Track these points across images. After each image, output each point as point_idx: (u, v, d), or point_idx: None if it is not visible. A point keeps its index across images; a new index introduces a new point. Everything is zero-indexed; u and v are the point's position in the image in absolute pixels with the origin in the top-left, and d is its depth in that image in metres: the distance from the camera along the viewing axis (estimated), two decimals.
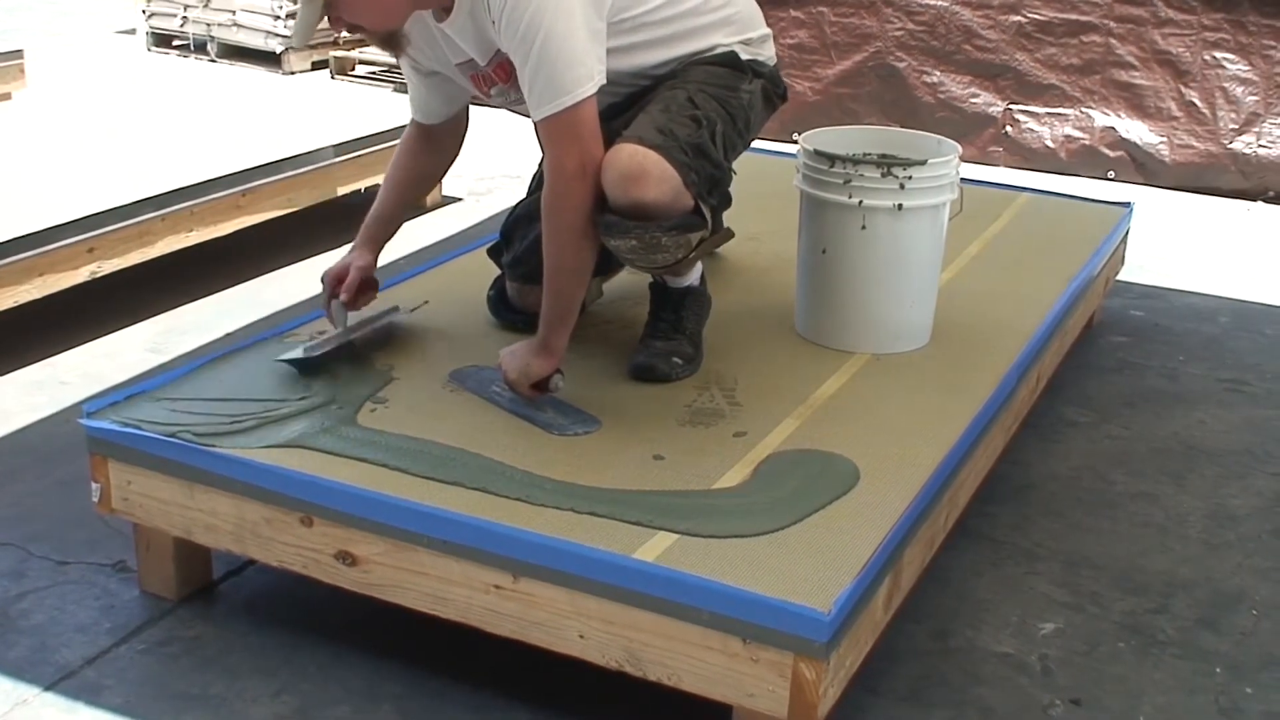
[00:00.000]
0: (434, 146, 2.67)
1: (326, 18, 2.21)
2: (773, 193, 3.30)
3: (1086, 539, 2.65)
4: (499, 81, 2.42)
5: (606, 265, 2.67)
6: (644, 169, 2.23)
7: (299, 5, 2.22)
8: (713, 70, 2.47)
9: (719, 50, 2.50)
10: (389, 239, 2.71)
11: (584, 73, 2.23)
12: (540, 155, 2.72)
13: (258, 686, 2.14)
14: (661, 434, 2.32)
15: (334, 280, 2.61)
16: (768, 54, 2.61)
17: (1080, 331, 3.37)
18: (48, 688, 2.13)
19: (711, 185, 2.38)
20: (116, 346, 3.46)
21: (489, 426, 2.33)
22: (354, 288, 2.58)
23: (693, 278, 2.66)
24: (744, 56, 2.52)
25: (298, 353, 2.52)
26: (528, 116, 2.36)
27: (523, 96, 2.33)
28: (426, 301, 2.80)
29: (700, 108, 2.38)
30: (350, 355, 2.57)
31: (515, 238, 2.74)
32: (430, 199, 4.67)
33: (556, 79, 2.22)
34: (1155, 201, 4.95)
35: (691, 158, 2.30)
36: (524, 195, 2.80)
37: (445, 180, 4.72)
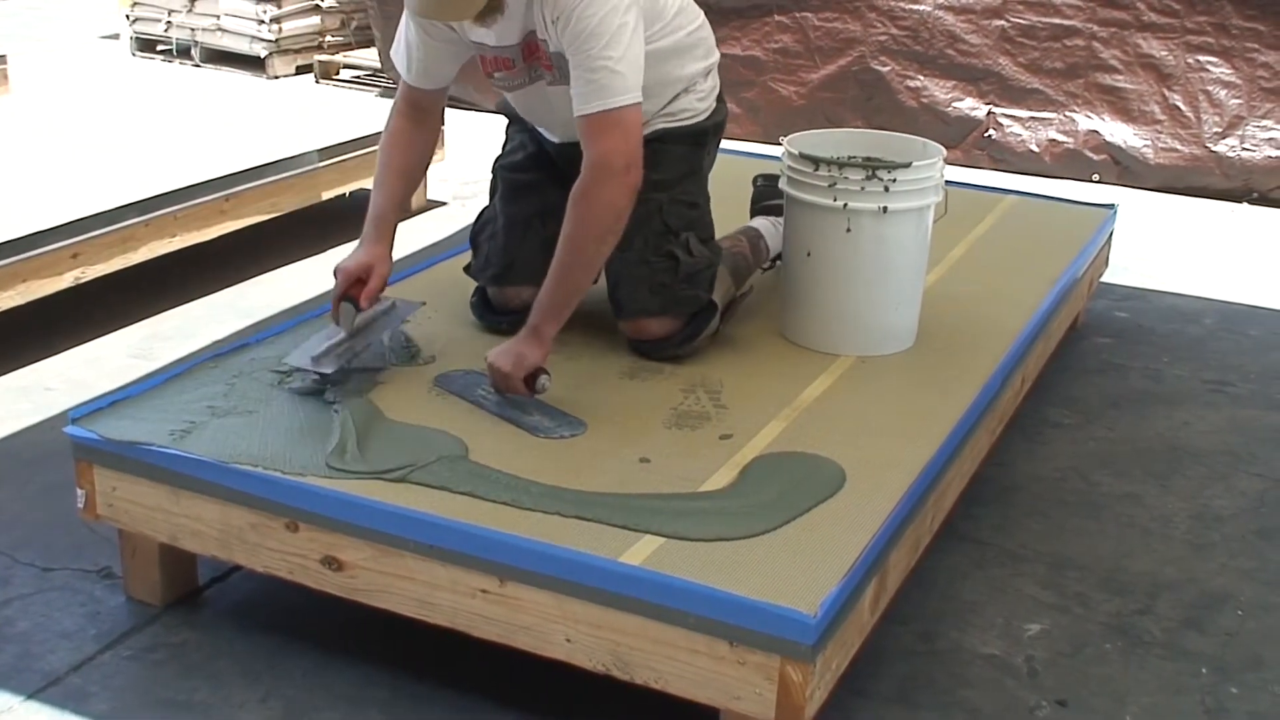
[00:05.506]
0: (423, 121, 2.61)
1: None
2: None
3: (1071, 540, 2.66)
4: (525, 61, 2.44)
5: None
6: (651, 330, 2.60)
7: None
8: (675, 166, 2.60)
9: (687, 119, 2.62)
10: (394, 233, 2.62)
11: (641, 79, 2.33)
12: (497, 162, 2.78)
13: (244, 692, 2.14)
14: (647, 437, 2.32)
15: (349, 279, 2.48)
16: (712, 83, 2.70)
17: (1065, 333, 3.38)
18: (32, 695, 2.12)
19: (708, 276, 2.60)
20: (101, 352, 3.45)
21: (475, 430, 2.33)
22: (374, 295, 2.49)
23: None
24: (704, 118, 2.65)
25: (305, 362, 2.40)
26: (507, 92, 2.52)
27: (534, 76, 2.44)
28: (424, 303, 2.77)
29: (673, 229, 2.58)
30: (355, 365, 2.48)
31: (482, 240, 2.77)
32: (415, 203, 4.66)
33: (621, 76, 2.29)
34: (1139, 204, 4.96)
35: (687, 288, 2.57)
36: (487, 201, 2.82)
37: (430, 185, 4.75)
